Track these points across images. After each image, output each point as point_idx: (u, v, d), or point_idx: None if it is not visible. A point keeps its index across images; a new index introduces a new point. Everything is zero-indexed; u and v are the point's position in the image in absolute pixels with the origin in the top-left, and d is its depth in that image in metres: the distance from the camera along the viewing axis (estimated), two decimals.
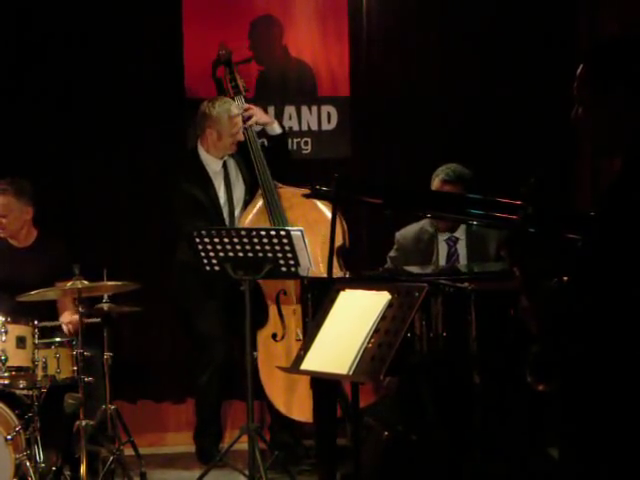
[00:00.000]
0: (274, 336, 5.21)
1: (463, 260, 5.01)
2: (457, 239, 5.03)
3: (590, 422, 2.33)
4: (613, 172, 2.43)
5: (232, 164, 5.53)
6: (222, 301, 5.36)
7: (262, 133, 5.65)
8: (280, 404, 5.25)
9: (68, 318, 5.11)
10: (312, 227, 5.18)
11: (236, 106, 5.47)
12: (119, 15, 5.93)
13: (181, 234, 5.34)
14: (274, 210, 5.33)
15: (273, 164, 5.46)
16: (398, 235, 5.16)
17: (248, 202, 5.48)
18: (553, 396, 2.46)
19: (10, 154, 5.74)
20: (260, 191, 5.38)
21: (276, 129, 5.60)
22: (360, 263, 5.40)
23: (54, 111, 5.89)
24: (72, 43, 5.91)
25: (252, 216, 5.39)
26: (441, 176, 4.97)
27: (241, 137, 5.45)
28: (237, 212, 5.48)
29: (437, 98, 6.11)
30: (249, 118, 5.49)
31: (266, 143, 5.62)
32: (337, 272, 5.07)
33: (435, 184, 4.98)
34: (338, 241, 5.21)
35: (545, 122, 5.94)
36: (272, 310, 5.26)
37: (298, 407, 5.13)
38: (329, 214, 5.17)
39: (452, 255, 5.02)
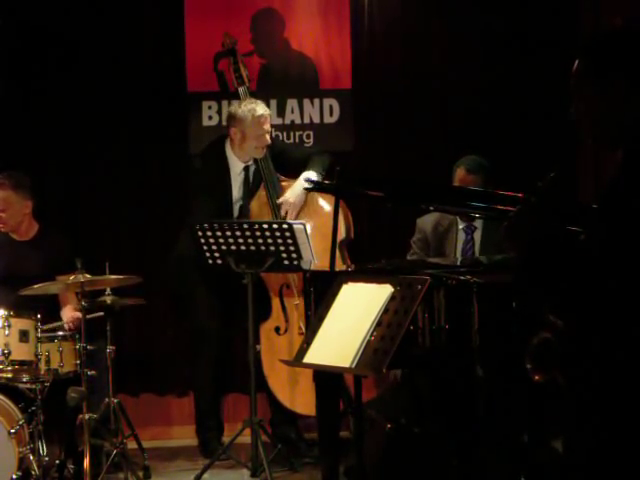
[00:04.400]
0: (277, 329, 5.21)
1: (478, 248, 5.06)
2: (475, 228, 5.11)
3: (595, 412, 2.33)
4: (615, 164, 2.43)
5: (252, 174, 5.40)
6: (218, 294, 5.34)
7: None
8: (283, 397, 5.25)
9: (69, 315, 5.10)
10: (312, 220, 5.19)
11: (262, 107, 5.31)
12: (121, 9, 5.92)
13: (186, 221, 5.26)
14: (276, 204, 5.31)
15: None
16: (419, 221, 5.23)
17: None
18: (555, 387, 2.46)
19: (12, 148, 5.74)
20: (263, 184, 5.35)
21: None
22: (360, 256, 5.40)
23: (56, 106, 5.89)
24: (73, 38, 5.90)
25: (255, 210, 5.35)
26: (463, 166, 5.04)
27: (267, 141, 5.29)
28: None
29: (439, 91, 6.11)
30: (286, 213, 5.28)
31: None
32: (340, 265, 5.09)
33: (458, 174, 5.04)
34: (341, 234, 5.23)
35: (549, 116, 5.92)
36: (275, 303, 5.26)
37: (301, 400, 5.14)
38: (328, 207, 5.21)
39: (468, 243, 5.08)
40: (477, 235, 5.11)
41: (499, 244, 4.92)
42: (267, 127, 5.30)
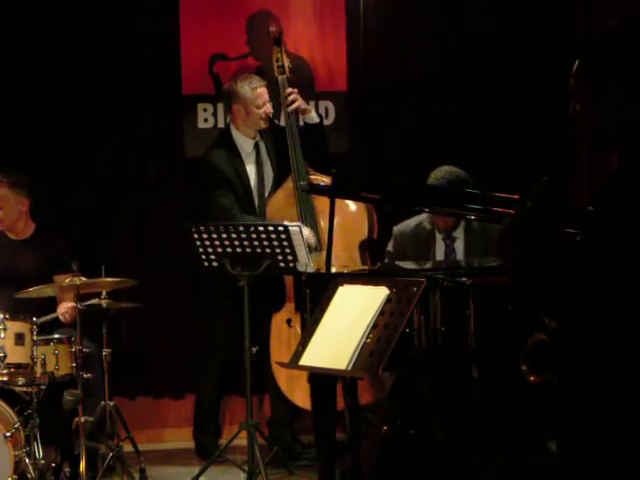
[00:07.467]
0: (288, 321, 5.20)
1: (461, 258, 4.99)
2: (455, 238, 4.99)
3: (590, 414, 2.33)
4: (611, 167, 2.43)
5: (263, 147, 5.50)
6: (235, 297, 5.32)
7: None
8: (285, 387, 5.25)
9: (64, 307, 5.11)
10: (338, 216, 5.15)
11: (257, 79, 5.45)
12: (116, 12, 5.91)
13: (209, 212, 5.31)
14: (303, 196, 5.30)
15: (309, 152, 5.42)
16: (396, 229, 5.16)
17: (276, 186, 5.45)
18: (551, 389, 2.46)
19: (9, 149, 5.72)
20: (291, 176, 5.35)
21: (314, 118, 5.53)
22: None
23: (52, 107, 5.88)
24: (69, 39, 5.88)
25: (281, 200, 5.38)
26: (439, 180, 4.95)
27: (269, 109, 5.42)
28: (267, 194, 5.45)
29: (435, 93, 6.10)
30: (292, 102, 5.41)
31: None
32: (356, 265, 5.11)
33: None
34: (363, 234, 5.28)
35: (543, 119, 5.94)
36: (289, 296, 5.26)
37: (301, 393, 5.13)
38: (353, 206, 5.23)
39: (450, 254, 4.99)
40: (458, 245, 5.02)
41: (483, 253, 4.93)
42: (266, 96, 5.42)
